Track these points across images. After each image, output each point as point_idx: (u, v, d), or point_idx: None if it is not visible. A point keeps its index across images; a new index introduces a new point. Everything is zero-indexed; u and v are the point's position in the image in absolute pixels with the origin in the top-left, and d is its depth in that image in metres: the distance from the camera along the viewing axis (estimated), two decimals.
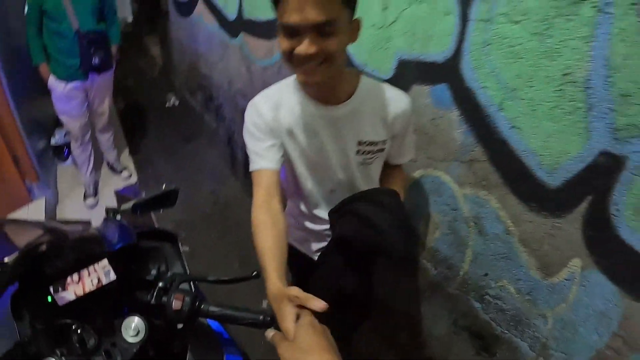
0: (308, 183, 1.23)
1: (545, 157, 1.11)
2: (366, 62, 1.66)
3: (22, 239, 0.97)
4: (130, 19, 7.54)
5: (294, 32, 0.92)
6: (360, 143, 1.14)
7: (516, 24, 1.10)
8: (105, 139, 3.50)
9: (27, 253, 0.86)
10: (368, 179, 1.24)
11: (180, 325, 0.90)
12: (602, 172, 1.00)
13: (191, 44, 3.93)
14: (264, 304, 1.88)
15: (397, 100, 1.15)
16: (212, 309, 0.89)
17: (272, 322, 0.83)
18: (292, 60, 0.95)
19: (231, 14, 2.86)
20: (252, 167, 1.13)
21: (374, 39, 1.57)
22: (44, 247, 0.90)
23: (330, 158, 1.17)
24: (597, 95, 0.97)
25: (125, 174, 3.64)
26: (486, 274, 1.38)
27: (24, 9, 2.72)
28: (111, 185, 3.49)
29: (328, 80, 1.00)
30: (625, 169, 0.95)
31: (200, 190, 3.31)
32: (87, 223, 1.09)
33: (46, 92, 3.75)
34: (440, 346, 1.65)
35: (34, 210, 3.11)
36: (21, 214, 2.90)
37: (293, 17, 0.89)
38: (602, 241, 1.04)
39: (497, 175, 1.26)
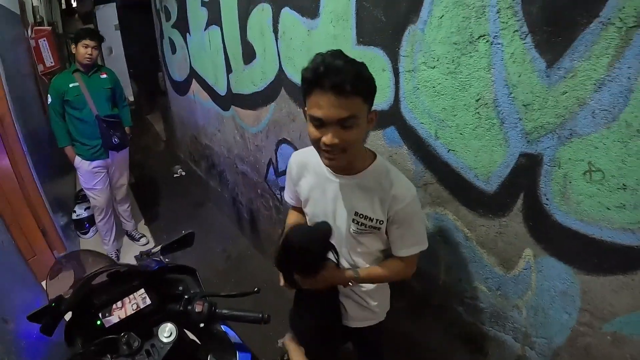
0: None
1: (479, 169, 1.30)
2: None
3: (79, 273, 1.23)
4: (131, 97, 8.09)
5: (320, 124, 1.06)
6: (356, 214, 1.27)
7: (433, 68, 1.34)
8: (124, 210, 3.80)
9: (80, 289, 1.15)
10: (355, 249, 1.35)
11: (201, 325, 1.18)
12: (526, 170, 1.17)
13: (191, 119, 4.30)
14: (279, 343, 2.02)
15: (398, 186, 1.21)
16: (224, 311, 1.19)
17: (269, 319, 1.16)
18: (318, 145, 1.11)
19: (221, 90, 3.20)
20: (284, 195, 1.57)
21: None
22: (94, 283, 1.19)
23: (328, 215, 1.33)
24: (506, 110, 1.17)
25: (143, 240, 3.86)
26: (460, 279, 1.51)
27: (39, 98, 3.07)
28: (132, 253, 3.67)
29: (347, 160, 1.16)
30: (543, 164, 1.13)
31: (213, 250, 3.50)
32: (128, 264, 1.34)
33: (64, 172, 4.10)
34: (439, 358, 1.73)
35: (62, 280, 3.30)
36: (51, 283, 3.11)
37: (320, 112, 1.04)
38: (542, 229, 1.19)
39: (447, 192, 1.44)
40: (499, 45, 1.13)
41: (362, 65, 1.07)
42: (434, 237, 1.54)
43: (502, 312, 1.41)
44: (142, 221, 4.25)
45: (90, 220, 3.92)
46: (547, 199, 1.14)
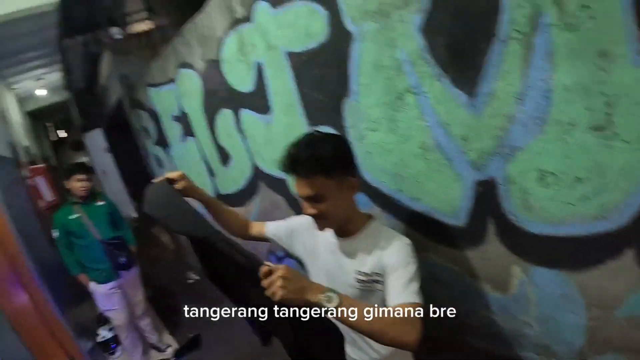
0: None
1: (444, 207, 1.32)
2: None
3: None
4: (134, 214, 8.22)
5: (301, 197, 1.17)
6: (358, 272, 1.27)
7: (375, 131, 1.42)
8: (145, 324, 3.71)
9: None
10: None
11: None
12: (486, 196, 1.20)
13: None
14: None
15: (391, 240, 1.21)
16: None
17: None
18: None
19: (210, 194, 3.26)
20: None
21: None
22: None
23: (333, 274, 1.33)
24: (449, 149, 1.22)
25: (169, 350, 3.76)
26: (466, 313, 1.47)
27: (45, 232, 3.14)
28: None
29: (335, 225, 1.23)
30: (498, 185, 1.15)
31: (240, 342, 3.42)
32: None
33: (82, 298, 4.10)
34: None
35: None
36: None
37: (296, 190, 1.16)
38: (520, 244, 1.19)
39: (423, 237, 1.46)
40: (423, 93, 1.21)
41: (327, 144, 1.13)
42: (428, 282, 1.51)
43: (515, 332, 1.36)
44: (167, 332, 4.14)
45: (116, 340, 3.82)
46: (514, 215, 1.15)
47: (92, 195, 3.32)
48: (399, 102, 1.28)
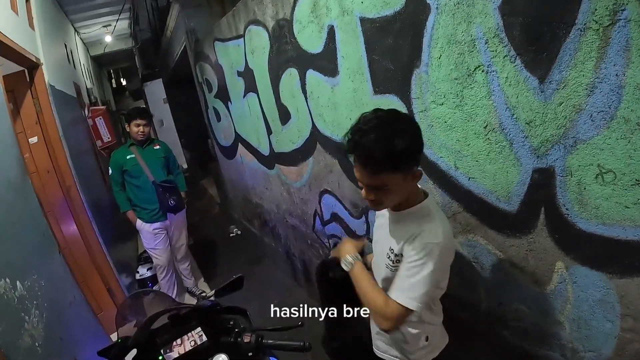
0: None
1: (499, 191, 1.38)
2: None
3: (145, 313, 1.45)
4: (185, 165, 8.74)
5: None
6: (390, 249, 1.37)
7: (442, 105, 1.47)
8: (184, 268, 4.10)
9: (144, 327, 1.36)
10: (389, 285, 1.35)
11: (250, 354, 1.34)
12: (542, 185, 1.24)
13: (240, 180, 4.65)
14: None
15: (425, 230, 1.23)
16: (270, 341, 1.35)
17: (310, 347, 1.30)
18: None
19: (265, 151, 3.50)
20: None
21: None
22: (157, 324, 1.41)
23: (377, 243, 1.47)
24: (512, 132, 1.27)
25: (204, 296, 4.08)
26: (500, 303, 1.54)
27: (100, 170, 3.48)
28: None
29: (390, 207, 1.32)
30: (556, 175, 1.19)
31: (271, 302, 3.62)
32: (187, 304, 1.55)
33: (127, 237, 4.49)
34: None
35: (122, 331, 3.59)
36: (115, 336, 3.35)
37: (356, 174, 1.21)
38: (568, 239, 1.23)
39: (474, 218, 1.52)
40: (493, 73, 1.26)
41: (399, 137, 1.11)
42: (470, 265, 1.60)
43: (546, 331, 1.42)
44: (202, 279, 4.53)
45: (153, 280, 4.26)
46: (566, 209, 1.19)
47: (148, 139, 3.68)
48: (468, 78, 1.33)
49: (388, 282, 1.36)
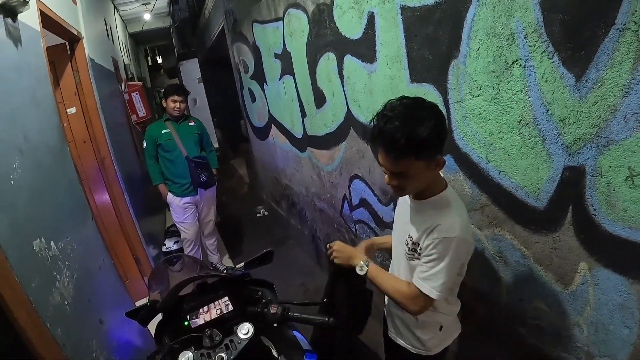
0: None
1: (529, 187, 1.42)
2: None
3: (172, 281, 1.56)
4: (216, 144, 8.99)
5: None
6: (409, 236, 1.42)
7: (477, 97, 1.52)
8: (210, 243, 4.29)
9: (172, 293, 1.47)
10: (408, 275, 1.45)
11: (275, 325, 1.44)
12: (571, 183, 1.28)
13: (271, 161, 4.81)
14: None
15: (444, 222, 1.29)
16: (295, 314, 1.45)
17: (334, 323, 1.38)
18: None
19: (298, 133, 3.61)
20: None
21: None
22: (185, 291, 1.52)
23: (397, 233, 1.56)
24: (545, 128, 1.31)
25: (217, 257, 4.32)
26: (521, 299, 1.59)
27: (133, 144, 3.69)
28: None
29: (411, 194, 1.40)
30: (586, 174, 1.23)
31: (292, 283, 3.77)
32: (217, 272, 1.66)
33: (156, 211, 4.86)
34: None
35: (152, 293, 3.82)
36: (140, 304, 3.55)
37: (380, 160, 1.28)
38: (593, 240, 1.26)
39: (502, 212, 1.57)
40: (531, 68, 1.30)
41: (423, 124, 1.16)
42: (493, 259, 1.66)
43: (563, 332, 1.46)
44: (227, 255, 4.74)
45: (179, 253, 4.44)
46: (594, 210, 1.23)
47: (184, 115, 3.87)
48: (505, 72, 1.38)
49: (406, 269, 1.46)
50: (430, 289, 1.31)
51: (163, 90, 3.93)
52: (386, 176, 1.31)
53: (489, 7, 1.37)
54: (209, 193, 4.04)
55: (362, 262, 1.49)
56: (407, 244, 1.42)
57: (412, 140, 1.15)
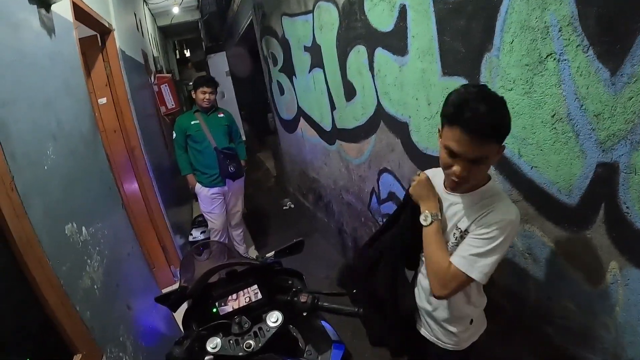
0: None
1: (561, 183, 1.43)
2: (427, 146, 2.15)
3: (202, 268, 1.59)
4: (243, 137, 9.19)
5: (453, 154, 1.25)
6: (456, 227, 1.42)
7: (510, 91, 1.53)
8: (237, 234, 4.43)
9: (201, 280, 1.51)
10: None
11: (304, 314, 1.47)
12: (604, 180, 1.28)
13: (299, 154, 4.89)
14: None
15: (497, 207, 1.32)
16: (325, 304, 1.47)
17: (364, 314, 1.41)
18: (447, 171, 1.31)
19: (327, 126, 3.66)
20: None
21: (428, 128, 2.09)
22: (215, 278, 1.57)
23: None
24: (579, 123, 1.31)
25: (244, 248, 4.44)
26: (549, 297, 1.59)
27: (162, 135, 3.93)
28: None
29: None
30: (620, 171, 1.22)
31: (317, 276, 3.82)
32: (247, 260, 1.73)
33: (183, 201, 5.09)
34: None
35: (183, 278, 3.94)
36: (166, 292, 3.64)
37: (456, 147, 1.22)
38: (625, 239, 1.26)
39: (533, 208, 1.58)
40: (565, 62, 1.30)
41: (504, 109, 1.21)
42: (522, 255, 1.67)
43: (590, 332, 1.46)
44: (253, 247, 4.88)
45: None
46: (627, 208, 1.23)
47: (213, 107, 3.97)
48: (539, 65, 1.39)
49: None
50: (472, 269, 1.30)
51: (192, 82, 4.05)
52: (455, 167, 1.26)
53: (522, 0, 1.37)
54: (237, 184, 4.14)
55: (433, 212, 1.43)
56: (454, 236, 1.43)
57: (499, 123, 1.19)
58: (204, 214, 4.16)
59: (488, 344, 1.66)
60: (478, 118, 1.16)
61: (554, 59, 1.33)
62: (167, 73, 8.59)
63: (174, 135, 3.95)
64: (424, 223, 1.44)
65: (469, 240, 1.34)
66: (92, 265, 1.83)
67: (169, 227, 4.19)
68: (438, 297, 1.41)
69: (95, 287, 1.81)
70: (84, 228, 1.85)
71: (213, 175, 3.93)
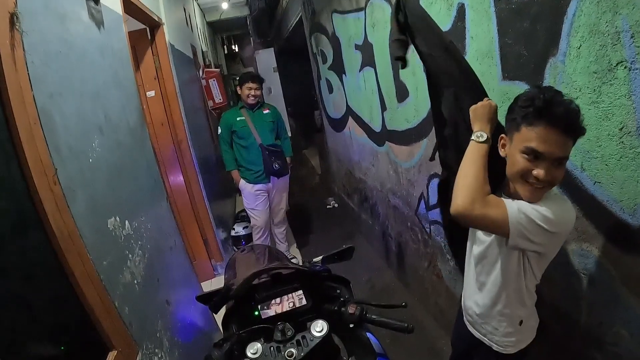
0: None
1: (625, 201, 1.36)
2: None
3: (248, 270, 1.60)
4: (289, 133, 9.39)
5: (535, 157, 1.23)
6: None
7: (576, 99, 1.45)
8: (280, 232, 4.49)
9: (246, 282, 1.50)
10: (507, 263, 1.44)
11: (351, 325, 1.43)
12: None
13: (346, 154, 4.91)
14: None
15: (558, 203, 1.31)
16: (374, 316, 1.42)
17: (413, 330, 1.35)
18: (524, 177, 1.28)
19: (376, 127, 3.65)
20: None
21: None
22: (260, 280, 1.57)
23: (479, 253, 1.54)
24: None
25: (294, 262, 4.38)
26: (601, 323, 1.52)
27: (209, 129, 4.14)
28: None
29: None
30: None
31: (359, 279, 3.85)
32: (295, 264, 1.71)
33: (226, 195, 5.28)
34: None
35: (216, 284, 4.01)
36: (205, 284, 3.76)
37: (543, 147, 1.21)
38: None
39: (593, 226, 1.51)
40: (636, 71, 1.24)
41: (578, 108, 1.22)
42: (577, 275, 1.60)
43: None
44: (295, 245, 4.97)
45: (247, 238, 4.75)
46: None
47: (259, 103, 4.04)
48: (608, 74, 1.32)
49: (482, 257, 1.48)
50: (515, 222, 1.26)
51: (238, 77, 4.13)
52: (538, 171, 1.23)
53: (592, 2, 1.32)
54: (281, 181, 4.19)
55: (484, 134, 1.38)
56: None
57: (581, 121, 1.21)
58: (247, 210, 4.24)
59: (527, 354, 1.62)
60: (570, 113, 1.18)
61: (625, 67, 1.26)
62: (216, 68, 8.83)
63: (219, 130, 4.04)
64: (478, 139, 1.38)
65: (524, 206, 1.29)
66: (134, 260, 1.86)
67: (212, 221, 4.30)
68: (456, 211, 1.30)
69: (136, 282, 1.83)
70: (127, 222, 1.88)
71: (257, 172, 4.00)
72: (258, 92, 3.97)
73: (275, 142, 4.09)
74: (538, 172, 1.23)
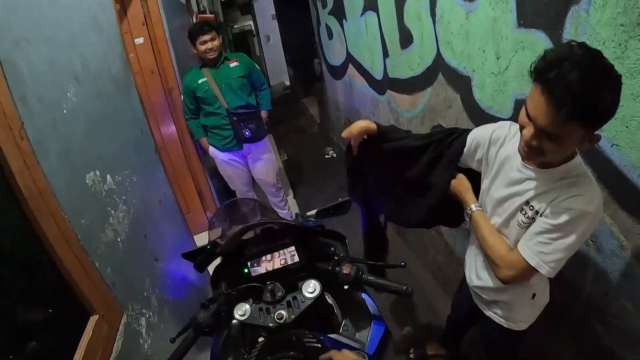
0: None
1: None
2: (490, 105, 1.99)
3: (238, 222, 1.54)
4: (287, 82, 9.27)
5: (528, 115, 1.11)
6: (529, 205, 1.30)
7: None
8: (277, 201, 4.12)
9: (234, 238, 1.42)
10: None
11: (346, 287, 1.35)
12: None
13: (346, 102, 4.78)
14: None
15: (579, 191, 1.19)
16: (370, 277, 1.34)
17: (412, 293, 1.28)
18: (521, 130, 1.18)
19: (378, 74, 3.51)
20: None
21: (494, 84, 1.91)
22: (248, 235, 1.48)
23: (498, 200, 1.44)
24: None
25: (288, 213, 4.24)
26: (606, 293, 1.49)
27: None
28: None
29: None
30: None
31: (355, 231, 3.79)
32: (286, 220, 1.62)
33: None
34: None
35: (212, 236, 3.98)
36: (200, 237, 3.65)
37: (531, 109, 1.09)
38: None
39: (606, 192, 1.43)
40: None
41: (608, 89, 1.00)
42: (586, 243, 1.54)
43: None
44: (292, 195, 4.91)
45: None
46: None
47: (222, 57, 3.48)
48: (637, 28, 1.20)
49: (517, 240, 1.37)
50: (543, 264, 1.24)
51: (188, 33, 3.49)
52: (526, 131, 1.13)
53: None
54: (260, 146, 3.75)
55: (473, 206, 1.50)
56: (524, 214, 1.32)
57: (588, 101, 0.98)
58: (225, 178, 3.92)
59: (531, 333, 1.61)
60: (561, 83, 0.98)
61: None
62: (211, 14, 8.51)
63: (182, 97, 3.63)
64: (471, 212, 1.49)
65: (540, 225, 1.24)
66: (117, 217, 1.77)
67: (206, 172, 4.20)
68: (504, 281, 1.36)
69: (119, 239, 1.75)
70: (108, 176, 1.78)
71: (227, 138, 3.59)
72: (215, 43, 3.35)
73: (248, 100, 3.56)
74: (526, 132, 1.13)
